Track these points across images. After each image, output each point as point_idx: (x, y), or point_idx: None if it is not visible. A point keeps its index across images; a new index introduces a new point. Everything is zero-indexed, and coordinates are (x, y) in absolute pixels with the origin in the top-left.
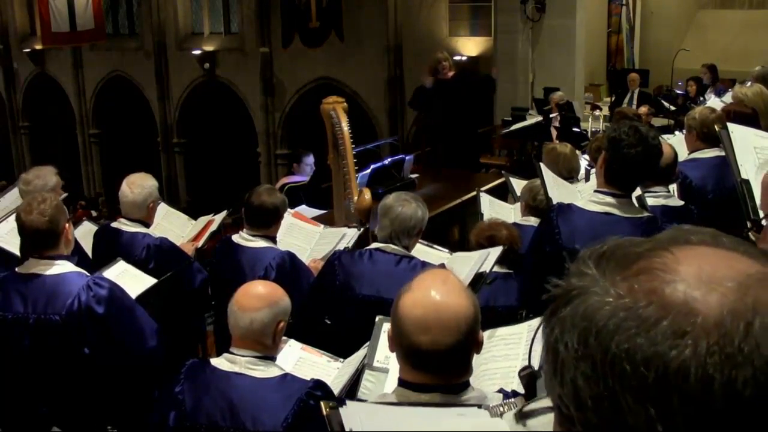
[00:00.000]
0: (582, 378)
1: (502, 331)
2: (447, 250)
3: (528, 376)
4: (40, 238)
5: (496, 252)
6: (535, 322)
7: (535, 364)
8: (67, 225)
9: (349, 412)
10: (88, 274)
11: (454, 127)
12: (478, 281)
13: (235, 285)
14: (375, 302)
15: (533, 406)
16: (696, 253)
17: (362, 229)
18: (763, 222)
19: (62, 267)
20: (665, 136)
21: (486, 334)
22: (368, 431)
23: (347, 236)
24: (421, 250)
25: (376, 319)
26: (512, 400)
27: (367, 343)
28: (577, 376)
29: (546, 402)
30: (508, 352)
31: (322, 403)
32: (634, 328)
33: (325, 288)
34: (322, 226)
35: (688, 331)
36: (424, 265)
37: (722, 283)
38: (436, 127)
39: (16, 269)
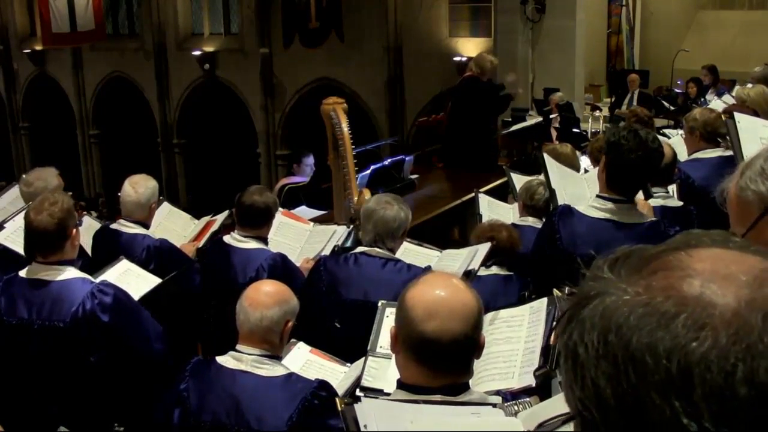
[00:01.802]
0: (603, 377)
1: (504, 313)
2: (437, 249)
3: (543, 376)
4: (46, 240)
5: (484, 249)
6: (537, 303)
7: (538, 345)
8: (75, 230)
9: (363, 410)
10: (93, 279)
11: (476, 127)
12: (467, 278)
13: (226, 285)
14: (362, 306)
15: (548, 417)
16: (708, 252)
17: (352, 227)
18: None
19: (67, 273)
20: (668, 131)
21: (488, 318)
22: (384, 431)
23: (337, 234)
24: (411, 249)
25: (379, 303)
26: (527, 399)
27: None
28: (599, 376)
29: (558, 410)
30: (511, 334)
31: (337, 399)
32: (654, 323)
33: (312, 294)
34: (312, 224)
35: (708, 323)
36: (410, 268)
37: (737, 277)
38: (462, 124)
39: (20, 274)
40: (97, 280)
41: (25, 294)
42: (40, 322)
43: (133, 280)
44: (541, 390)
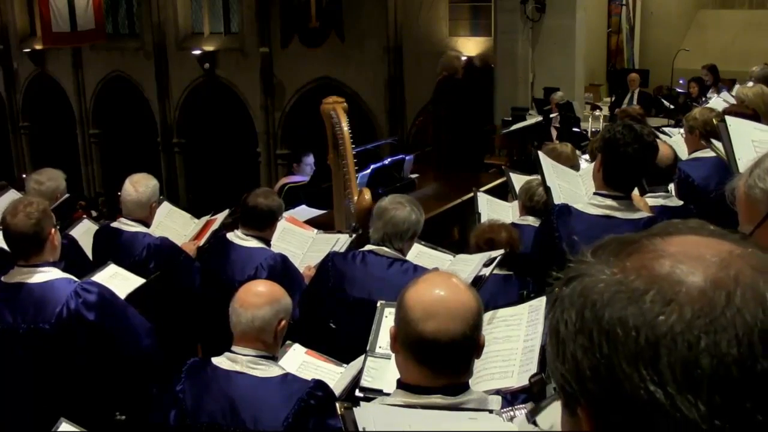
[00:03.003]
0: (580, 350)
1: (503, 312)
2: (450, 253)
3: (538, 383)
4: (24, 243)
5: (496, 255)
6: (536, 302)
7: (538, 344)
8: (53, 231)
9: (363, 413)
10: (76, 279)
11: (459, 124)
12: (477, 284)
13: (224, 282)
14: (366, 305)
15: (542, 404)
16: (684, 238)
17: (354, 236)
18: None
19: (49, 274)
20: (667, 130)
21: (487, 317)
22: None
23: (340, 242)
24: (425, 252)
25: (378, 303)
26: (523, 405)
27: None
28: (576, 349)
29: (553, 398)
30: (510, 333)
31: (337, 404)
32: (625, 299)
33: (318, 290)
34: (315, 231)
35: (674, 299)
36: (417, 269)
37: (706, 258)
38: (443, 121)
39: (2, 278)
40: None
41: (7, 298)
42: (26, 326)
43: (120, 283)
44: (537, 396)
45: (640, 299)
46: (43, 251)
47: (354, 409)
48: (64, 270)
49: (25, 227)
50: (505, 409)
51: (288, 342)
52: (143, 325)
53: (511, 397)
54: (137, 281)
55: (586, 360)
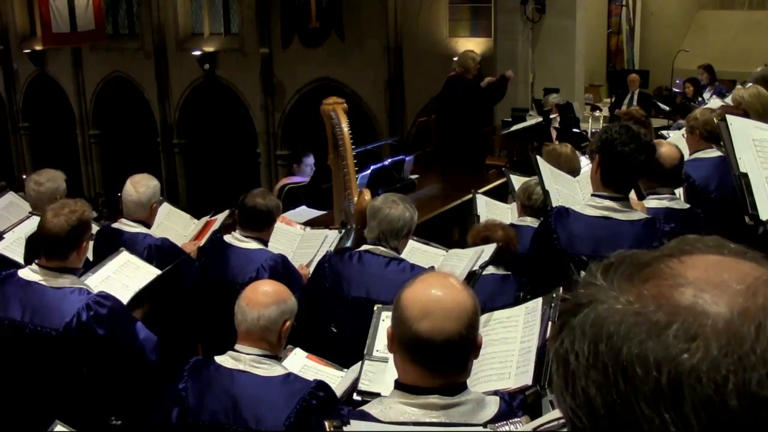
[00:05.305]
0: (594, 386)
1: (499, 314)
2: (443, 248)
3: (533, 395)
4: (55, 244)
5: (489, 250)
6: (532, 304)
7: (534, 345)
8: (85, 244)
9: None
10: (90, 289)
11: (463, 124)
12: (470, 279)
13: (224, 284)
14: (364, 304)
15: (544, 420)
16: (702, 259)
17: (344, 231)
18: None
19: (66, 281)
20: (663, 132)
21: (483, 319)
22: None
23: (329, 238)
24: (418, 248)
25: (375, 307)
26: (517, 419)
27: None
28: (589, 385)
29: (555, 415)
30: (506, 335)
31: (326, 423)
32: (645, 332)
33: (316, 292)
34: (301, 227)
35: (699, 333)
36: (413, 268)
37: (730, 285)
38: (449, 123)
39: (20, 272)
40: (96, 274)
41: (19, 294)
42: (32, 327)
43: (132, 272)
44: (532, 408)
45: (663, 333)
46: (68, 259)
47: (344, 428)
48: None
49: (61, 231)
50: (498, 424)
51: (289, 346)
52: (150, 340)
53: (508, 398)
54: (150, 269)
55: (600, 397)
